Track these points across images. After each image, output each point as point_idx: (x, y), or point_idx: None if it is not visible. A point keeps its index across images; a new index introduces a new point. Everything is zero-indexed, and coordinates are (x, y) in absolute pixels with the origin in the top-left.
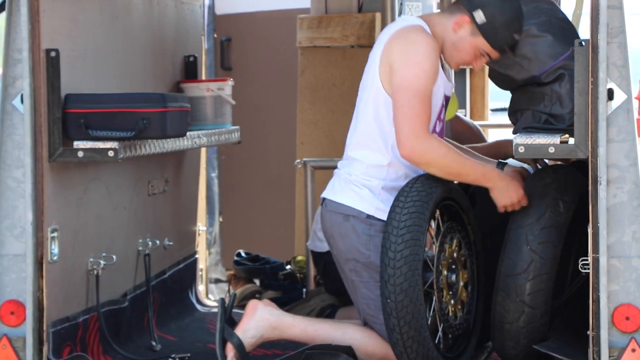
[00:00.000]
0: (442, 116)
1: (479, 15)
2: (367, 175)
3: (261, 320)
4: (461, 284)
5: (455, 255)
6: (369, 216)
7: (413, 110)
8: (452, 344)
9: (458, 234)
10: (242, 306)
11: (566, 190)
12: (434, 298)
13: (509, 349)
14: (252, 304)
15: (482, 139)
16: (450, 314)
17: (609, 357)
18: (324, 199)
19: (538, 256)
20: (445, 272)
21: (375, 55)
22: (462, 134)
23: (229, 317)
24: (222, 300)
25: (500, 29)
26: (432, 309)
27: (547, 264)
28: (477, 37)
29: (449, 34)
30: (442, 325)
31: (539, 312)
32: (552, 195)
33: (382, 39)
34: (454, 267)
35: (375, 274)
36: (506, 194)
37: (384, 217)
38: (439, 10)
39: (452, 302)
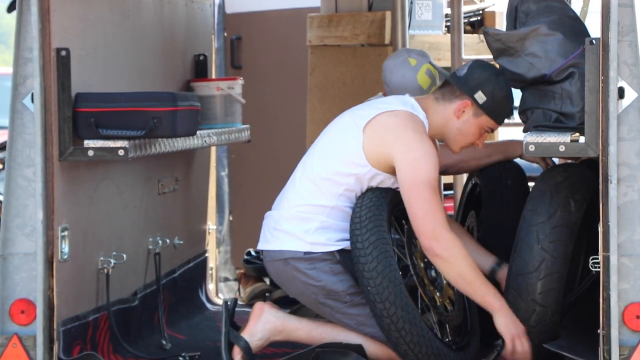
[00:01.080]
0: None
1: (480, 96)
2: (302, 212)
3: (267, 323)
4: (444, 281)
5: None
6: (306, 253)
7: (433, 205)
8: (454, 336)
9: None
10: (252, 305)
11: (577, 189)
12: (418, 289)
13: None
14: (258, 306)
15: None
16: (439, 303)
17: (620, 355)
18: (261, 252)
19: (549, 255)
20: (421, 264)
21: (355, 122)
22: None
23: (231, 320)
24: (226, 303)
25: (501, 102)
26: (419, 299)
27: (558, 263)
28: (480, 117)
29: (452, 122)
30: (434, 312)
31: (550, 311)
32: (564, 194)
33: (366, 110)
34: (430, 264)
35: (337, 300)
36: (513, 322)
37: (321, 249)
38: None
39: (439, 294)
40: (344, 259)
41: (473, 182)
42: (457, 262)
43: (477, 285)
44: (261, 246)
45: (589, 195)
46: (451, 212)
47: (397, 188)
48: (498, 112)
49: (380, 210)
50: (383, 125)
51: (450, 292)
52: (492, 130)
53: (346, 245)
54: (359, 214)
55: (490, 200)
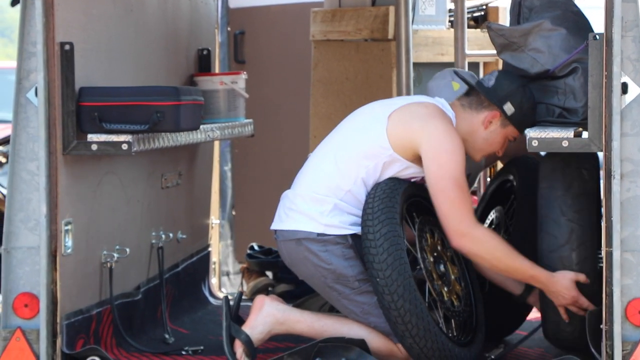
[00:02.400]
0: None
1: (509, 108)
2: (317, 194)
3: (268, 315)
4: (452, 277)
5: (439, 248)
6: (319, 234)
7: (459, 202)
8: (459, 331)
9: (434, 227)
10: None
11: (585, 159)
12: (427, 283)
13: (564, 325)
14: (259, 299)
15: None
16: (446, 298)
17: (622, 350)
18: (275, 231)
19: (577, 225)
20: (431, 258)
21: (381, 110)
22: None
23: (236, 314)
24: (227, 298)
25: (527, 113)
26: (427, 293)
27: (588, 231)
28: (507, 127)
29: (479, 131)
30: (440, 307)
31: (589, 280)
32: (574, 165)
33: (396, 100)
34: (440, 258)
35: (345, 285)
36: (558, 297)
37: (335, 232)
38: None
39: (446, 289)
40: (356, 244)
41: (505, 177)
42: (490, 255)
43: (511, 270)
44: (275, 226)
45: (597, 165)
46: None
47: (413, 179)
48: (524, 122)
49: (393, 203)
50: (411, 112)
51: (457, 288)
52: (515, 139)
53: (359, 230)
54: (371, 205)
55: (526, 196)
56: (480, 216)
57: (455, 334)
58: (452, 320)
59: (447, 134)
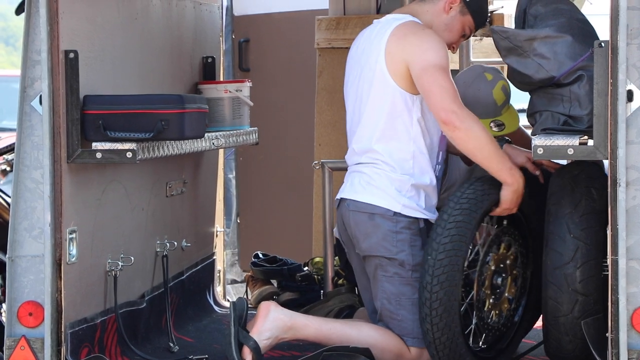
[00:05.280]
0: None
1: None
2: (393, 172)
3: (275, 320)
4: (506, 294)
5: (507, 262)
6: (395, 213)
7: (448, 83)
8: (484, 346)
9: (514, 241)
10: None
11: (595, 178)
12: (475, 286)
13: (565, 343)
14: (265, 305)
15: None
16: (486, 308)
17: (628, 359)
18: (342, 199)
19: (583, 242)
20: (493, 266)
21: (376, 54)
22: (525, 147)
23: (245, 321)
24: (234, 304)
25: (482, 4)
26: (471, 296)
27: (593, 250)
28: (465, 16)
29: (441, 17)
30: (477, 314)
31: (592, 300)
32: (584, 184)
33: (379, 39)
34: (502, 272)
35: (400, 270)
36: (518, 197)
37: (411, 213)
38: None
39: (492, 301)
40: (425, 230)
41: None
42: (475, 134)
43: (493, 158)
44: (347, 195)
45: (607, 184)
46: None
47: None
48: (480, 12)
49: (473, 210)
50: (396, 42)
51: (505, 307)
52: (469, 35)
53: (432, 217)
54: (449, 212)
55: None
56: None
57: (479, 344)
58: (484, 334)
59: (429, 35)
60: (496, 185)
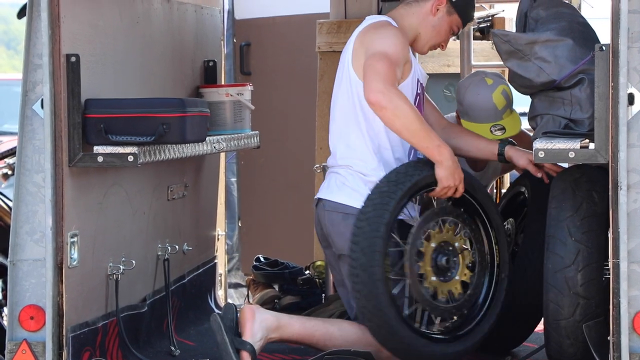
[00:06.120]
0: (421, 105)
1: None
2: (364, 172)
3: (263, 321)
4: (457, 277)
5: (456, 245)
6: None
7: (384, 67)
8: (429, 322)
9: (464, 224)
10: None
11: (596, 182)
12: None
13: (567, 347)
14: (248, 309)
15: None
16: (429, 288)
17: None
18: (319, 199)
19: (584, 246)
20: (432, 245)
21: (347, 53)
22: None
23: (236, 328)
24: (217, 316)
25: (469, 2)
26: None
27: (594, 253)
28: (452, 15)
29: (428, 20)
30: (419, 303)
31: (593, 303)
32: (585, 187)
33: (352, 39)
34: (448, 253)
35: None
36: (451, 174)
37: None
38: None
39: (434, 278)
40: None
41: (518, 189)
42: (402, 113)
43: (420, 136)
44: (324, 195)
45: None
46: None
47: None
48: (466, 10)
49: (401, 182)
50: (360, 39)
51: (457, 290)
52: (457, 32)
53: (405, 217)
54: (379, 185)
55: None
56: None
57: (419, 323)
58: (433, 315)
59: (388, 29)
60: (429, 162)
